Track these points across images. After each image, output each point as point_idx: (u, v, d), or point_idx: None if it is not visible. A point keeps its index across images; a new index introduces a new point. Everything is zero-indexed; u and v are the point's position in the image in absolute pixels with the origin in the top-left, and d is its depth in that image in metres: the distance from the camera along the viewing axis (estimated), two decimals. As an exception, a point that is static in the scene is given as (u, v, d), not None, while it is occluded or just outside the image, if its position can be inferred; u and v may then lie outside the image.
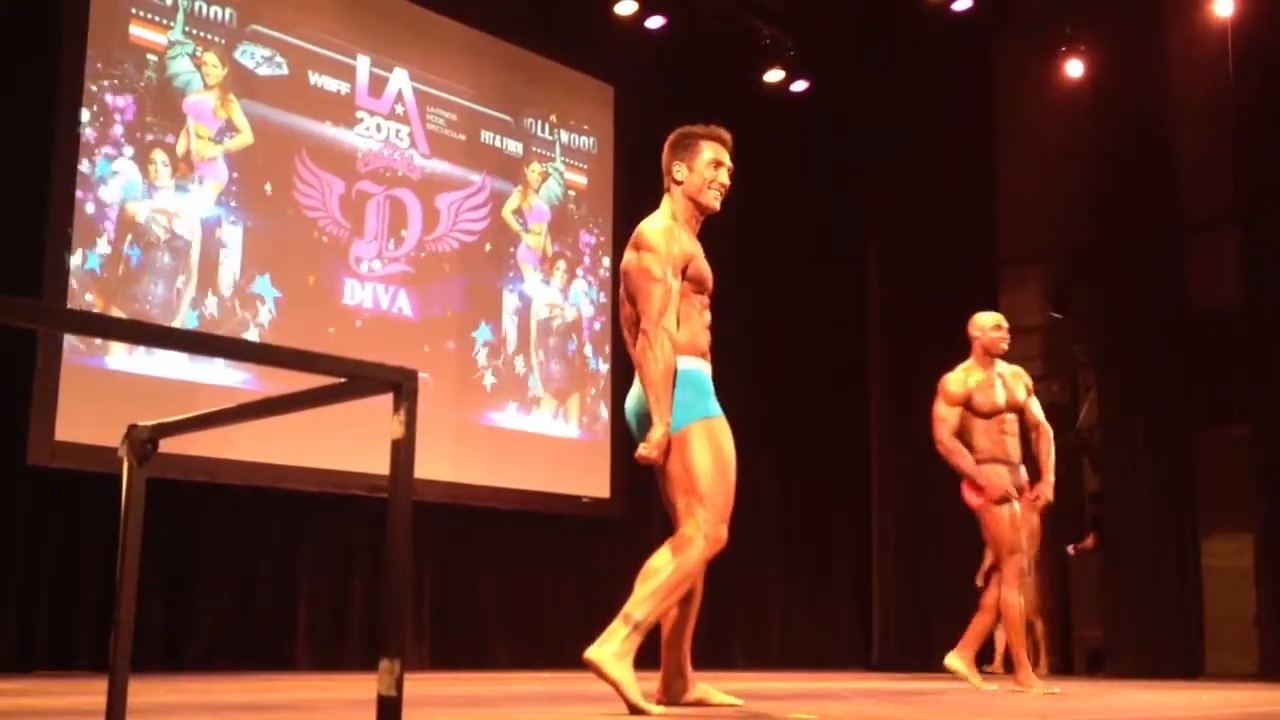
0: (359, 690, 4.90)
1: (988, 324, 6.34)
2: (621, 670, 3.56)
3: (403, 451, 1.59)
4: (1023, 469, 6.26)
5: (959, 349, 11.32)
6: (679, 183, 4.08)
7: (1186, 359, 9.94)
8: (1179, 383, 9.81)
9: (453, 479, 8.31)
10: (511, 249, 9.25)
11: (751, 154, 10.51)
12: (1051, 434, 6.35)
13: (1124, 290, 10.02)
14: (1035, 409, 6.33)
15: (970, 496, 6.18)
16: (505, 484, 8.79)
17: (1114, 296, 10.18)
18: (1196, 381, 10.11)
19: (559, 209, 9.63)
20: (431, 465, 7.88)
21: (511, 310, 9.15)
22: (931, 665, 10.19)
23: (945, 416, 6.19)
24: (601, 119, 9.99)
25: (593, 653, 3.58)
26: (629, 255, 3.94)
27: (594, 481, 9.40)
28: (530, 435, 9.11)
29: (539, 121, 9.58)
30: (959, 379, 6.27)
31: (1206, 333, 10.10)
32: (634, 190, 9.48)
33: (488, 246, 9.07)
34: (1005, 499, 6.02)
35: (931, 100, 11.11)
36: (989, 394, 6.19)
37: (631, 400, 3.98)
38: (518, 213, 9.33)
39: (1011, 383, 6.28)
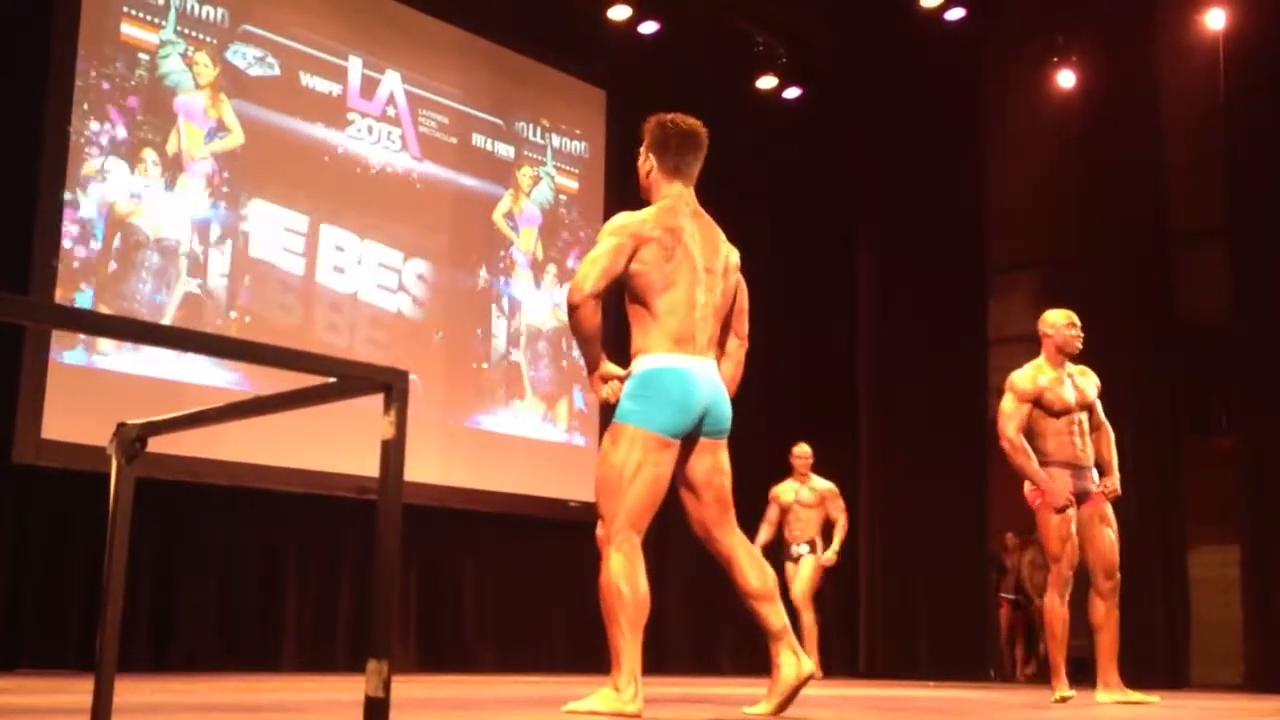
0: (346, 691, 4.89)
1: (1061, 321, 6.07)
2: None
3: (393, 452, 1.58)
4: (1094, 471, 6.00)
5: (949, 353, 11.31)
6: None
7: (1174, 370, 9.97)
8: (1166, 394, 9.84)
9: (441, 481, 8.29)
10: (502, 252, 9.24)
11: (743, 160, 10.61)
12: (1113, 435, 6.11)
13: (1112, 301, 10.04)
14: (1099, 410, 6.10)
15: (1029, 498, 5.99)
16: (493, 487, 8.78)
17: (1102, 307, 10.21)
18: (1184, 393, 10.14)
19: (550, 213, 9.63)
20: (419, 468, 7.85)
21: (501, 313, 9.14)
22: (917, 673, 10.23)
23: (1012, 413, 5.92)
24: (593, 124, 9.99)
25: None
26: (736, 260, 3.99)
27: (581, 485, 9.37)
28: (518, 438, 9.10)
29: (531, 125, 9.58)
30: (1028, 376, 6.00)
31: (1194, 344, 10.13)
32: (625, 195, 9.47)
33: (479, 250, 9.06)
34: (1064, 507, 5.90)
35: (923, 108, 11.13)
36: (1059, 392, 5.92)
37: (721, 392, 3.84)
38: (508, 216, 9.32)
39: (1081, 381, 6.04)
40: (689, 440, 3.75)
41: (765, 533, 9.05)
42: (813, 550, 9.12)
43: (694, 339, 3.75)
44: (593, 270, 3.69)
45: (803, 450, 9.24)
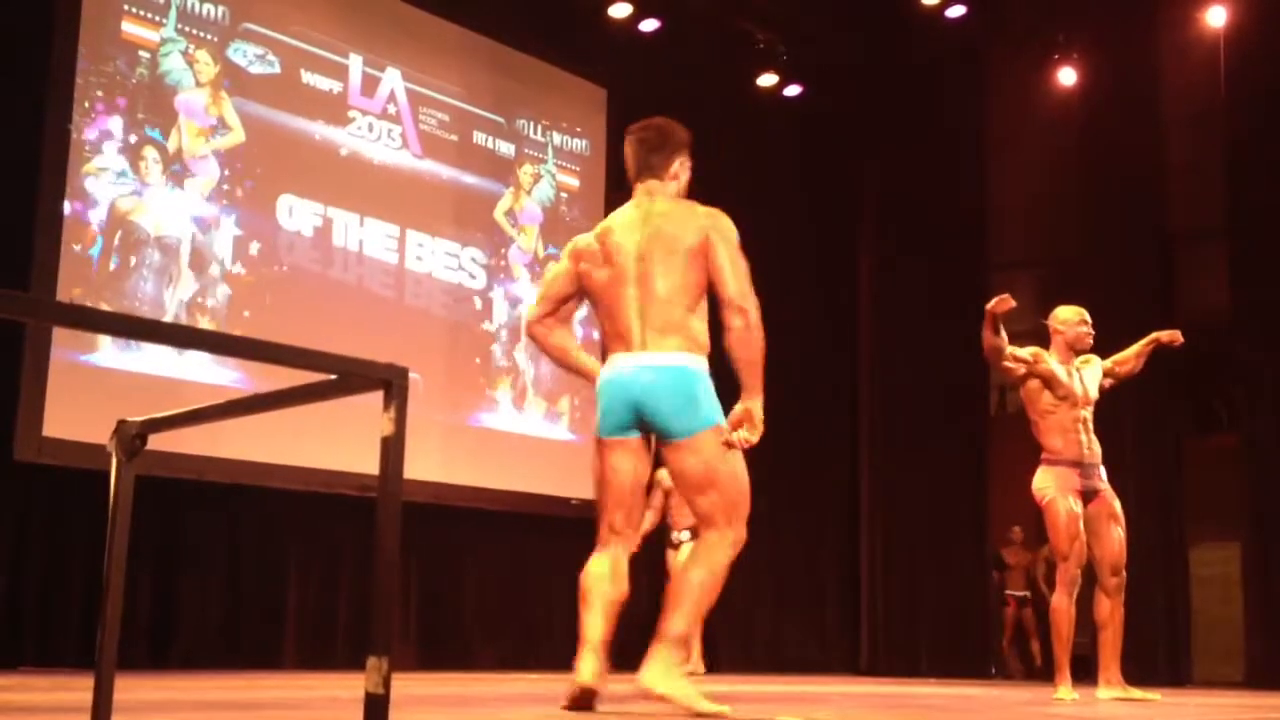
0: (346, 688, 4.89)
1: (1073, 318, 6.11)
2: (673, 684, 3.52)
3: (392, 449, 1.58)
4: (1102, 470, 6.02)
5: (949, 353, 11.28)
6: (675, 180, 3.95)
7: (1174, 370, 9.97)
8: (1167, 393, 9.83)
9: (442, 479, 8.29)
10: (503, 250, 9.24)
11: (743, 158, 10.61)
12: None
13: (1112, 300, 10.02)
14: (1105, 363, 6.19)
15: (1036, 495, 6.00)
16: (494, 485, 8.78)
17: (1102, 306, 10.19)
18: (1185, 393, 10.14)
19: (551, 211, 9.62)
20: (420, 465, 7.85)
21: (502, 311, 9.14)
22: (918, 671, 10.22)
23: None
24: (594, 122, 9.99)
25: (645, 679, 3.51)
26: (705, 223, 3.71)
27: (582, 483, 9.35)
28: (520, 436, 9.10)
29: (531, 123, 9.58)
30: (1036, 348, 6.03)
31: (1195, 343, 10.12)
32: (625, 193, 9.47)
33: (479, 247, 9.06)
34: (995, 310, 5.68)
35: (924, 106, 11.12)
36: (1068, 384, 5.98)
37: (660, 388, 3.64)
38: (509, 214, 9.32)
39: (1087, 377, 6.07)
40: (661, 441, 3.74)
41: (649, 519, 8.20)
42: (695, 536, 8.36)
43: (630, 335, 3.71)
44: (536, 297, 3.83)
45: None
